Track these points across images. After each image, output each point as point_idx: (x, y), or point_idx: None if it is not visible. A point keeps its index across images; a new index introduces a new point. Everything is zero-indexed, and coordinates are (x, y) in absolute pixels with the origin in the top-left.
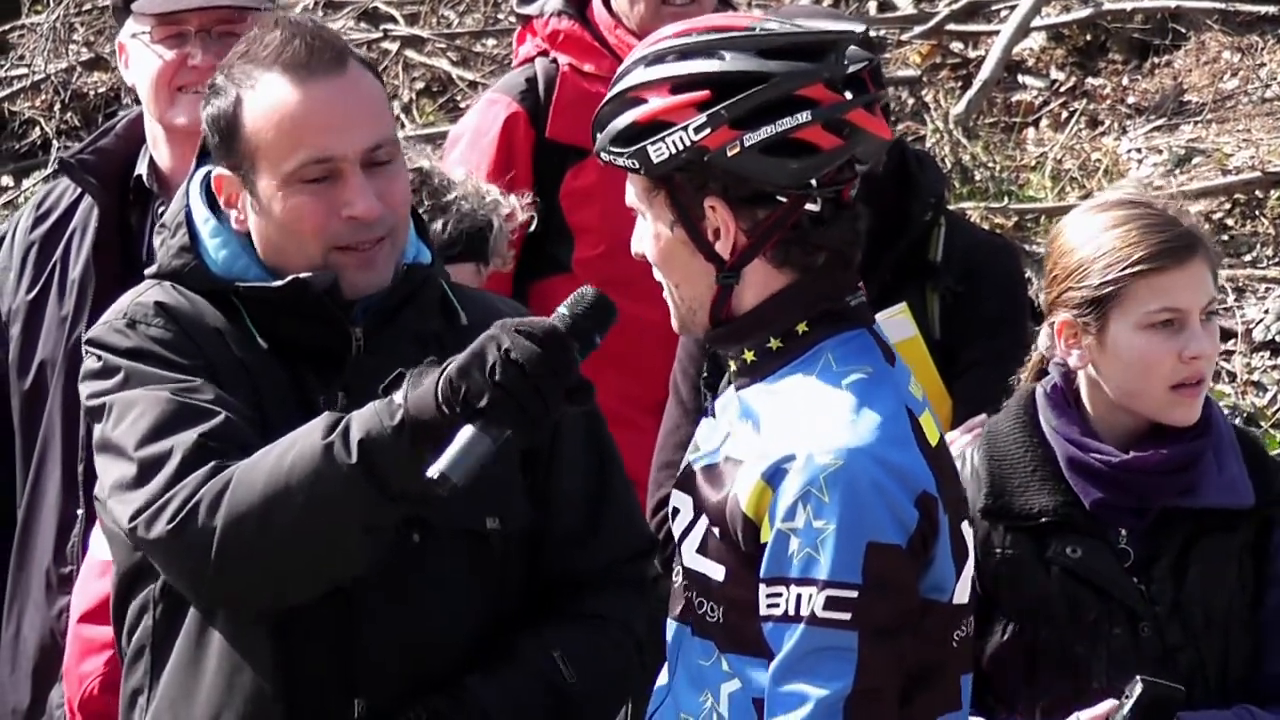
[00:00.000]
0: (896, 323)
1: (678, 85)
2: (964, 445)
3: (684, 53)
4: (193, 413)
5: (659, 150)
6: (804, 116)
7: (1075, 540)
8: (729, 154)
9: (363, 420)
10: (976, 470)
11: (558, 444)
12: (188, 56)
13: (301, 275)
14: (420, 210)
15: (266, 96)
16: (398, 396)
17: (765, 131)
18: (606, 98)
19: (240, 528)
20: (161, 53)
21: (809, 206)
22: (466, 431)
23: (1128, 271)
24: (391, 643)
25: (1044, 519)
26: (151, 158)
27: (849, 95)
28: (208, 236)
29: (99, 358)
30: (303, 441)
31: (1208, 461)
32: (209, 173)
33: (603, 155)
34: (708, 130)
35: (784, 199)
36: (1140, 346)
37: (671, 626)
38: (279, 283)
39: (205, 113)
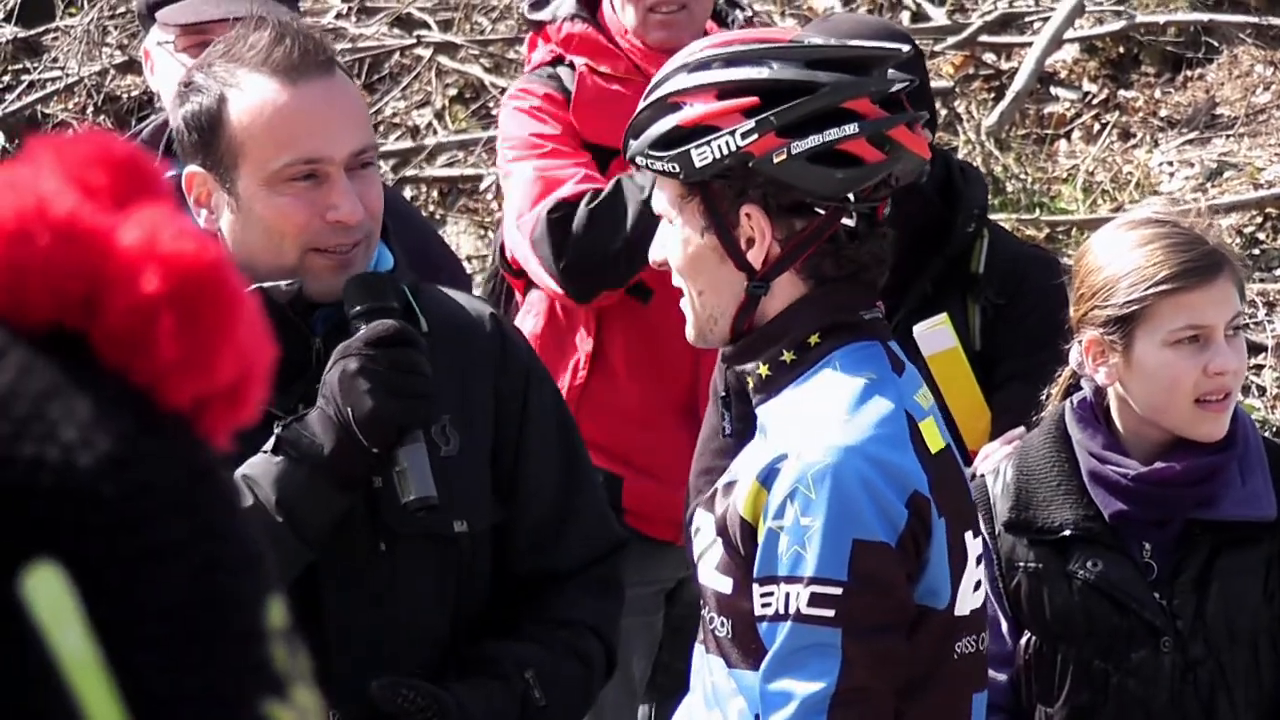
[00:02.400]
0: (937, 334)
1: (724, 91)
2: (1001, 459)
3: (730, 60)
4: None
5: (703, 154)
6: (850, 129)
7: (1097, 554)
8: (775, 160)
9: (272, 477)
10: (1008, 485)
11: (525, 438)
12: None
13: (265, 285)
14: None
15: (254, 96)
16: (304, 448)
17: (812, 140)
18: (644, 103)
19: None
20: (185, 61)
21: (845, 221)
22: (407, 453)
23: (1152, 290)
24: (362, 655)
25: (1066, 532)
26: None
27: (893, 112)
28: None
29: None
30: None
31: (1230, 474)
32: (174, 177)
33: (638, 160)
34: (755, 136)
35: (822, 211)
36: (1166, 363)
37: (696, 652)
38: None
39: (181, 110)
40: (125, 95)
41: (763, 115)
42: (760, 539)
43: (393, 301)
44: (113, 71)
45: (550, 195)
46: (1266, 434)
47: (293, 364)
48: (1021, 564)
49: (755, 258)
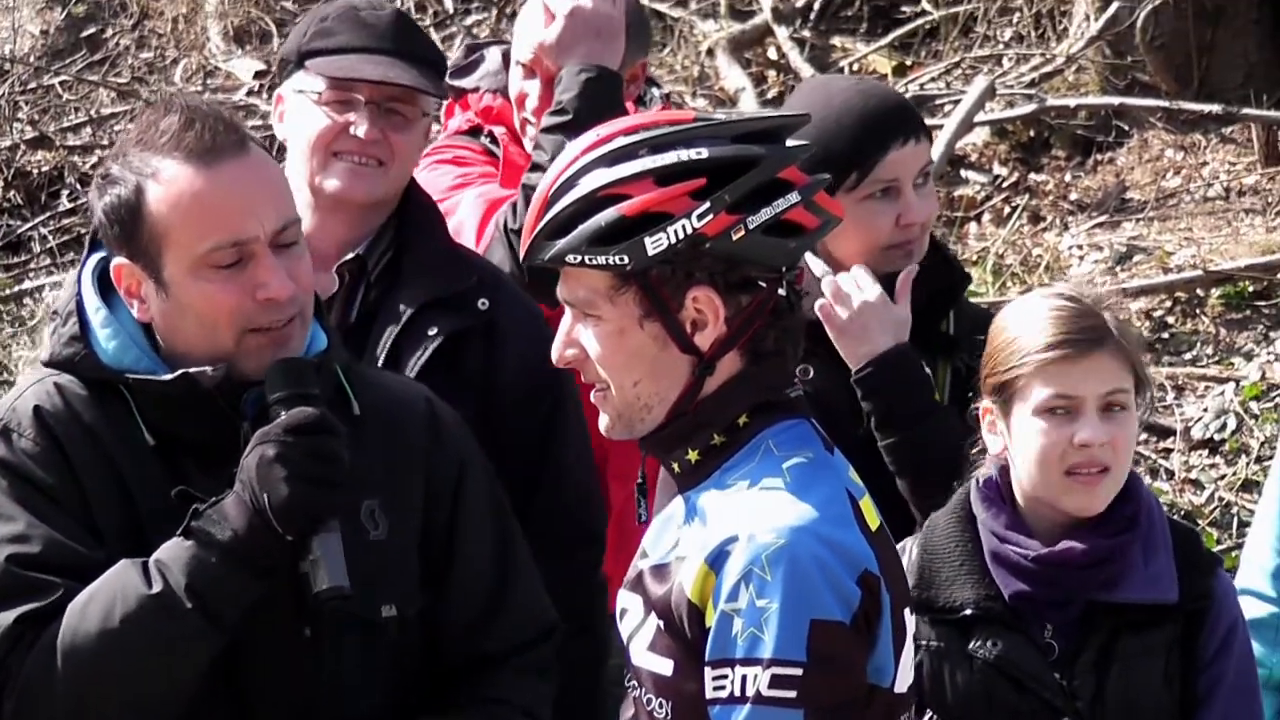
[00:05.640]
0: None
1: (664, 176)
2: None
3: (656, 145)
4: (21, 588)
5: (657, 241)
6: (793, 197)
7: (997, 634)
8: (734, 238)
9: (183, 562)
10: (912, 563)
11: (458, 526)
12: (350, 124)
13: (191, 370)
14: None
15: (171, 184)
16: (217, 533)
17: (765, 214)
18: (562, 203)
19: (84, 698)
20: (327, 115)
21: (780, 292)
22: (320, 541)
23: (1027, 359)
24: None
25: (967, 611)
26: None
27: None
28: (98, 326)
29: None
30: (126, 596)
31: (1133, 555)
32: (102, 259)
33: (570, 259)
34: (709, 217)
35: (764, 284)
36: (1034, 432)
37: None
38: (168, 376)
39: (100, 202)
40: (35, 170)
41: (715, 194)
42: (711, 622)
43: (314, 388)
44: (23, 147)
45: (497, 211)
46: (1176, 517)
47: (220, 448)
48: (924, 642)
49: (705, 339)
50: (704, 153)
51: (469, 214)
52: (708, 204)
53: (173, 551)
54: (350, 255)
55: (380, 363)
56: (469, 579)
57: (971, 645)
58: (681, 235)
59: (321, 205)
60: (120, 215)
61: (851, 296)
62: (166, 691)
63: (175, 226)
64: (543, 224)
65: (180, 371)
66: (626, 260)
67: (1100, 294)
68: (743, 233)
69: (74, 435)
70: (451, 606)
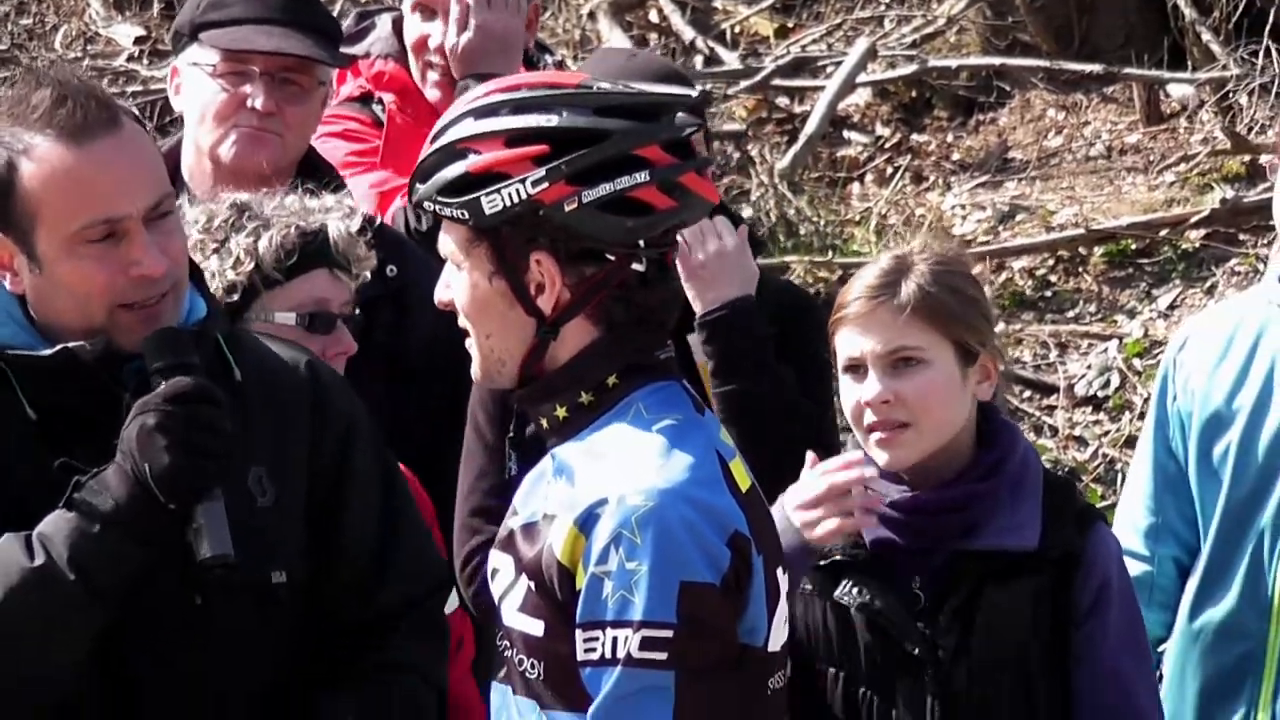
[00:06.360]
0: None
1: (513, 138)
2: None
3: (518, 106)
4: None
5: (493, 202)
6: (641, 176)
7: (864, 581)
8: (566, 209)
9: (65, 534)
10: (785, 513)
11: (345, 492)
12: (247, 97)
13: (70, 345)
14: (245, 234)
15: (43, 160)
16: (98, 503)
17: (603, 189)
18: (431, 148)
19: None
20: (223, 87)
21: (635, 266)
22: (204, 510)
23: (833, 319)
24: (179, 710)
25: (836, 557)
26: (187, 187)
27: (682, 158)
28: None
29: None
30: (8, 570)
31: (996, 503)
32: None
33: (426, 205)
34: (545, 184)
35: (612, 257)
36: (843, 392)
37: (496, 690)
38: (47, 352)
39: None
40: None
41: (553, 164)
42: (581, 584)
43: (193, 357)
44: None
45: (393, 205)
46: (1059, 474)
47: (103, 421)
48: (799, 586)
49: (545, 303)
50: (553, 120)
51: (362, 206)
52: (544, 171)
53: (55, 524)
54: None
55: None
56: (356, 545)
57: (838, 592)
58: (516, 199)
59: (221, 176)
60: None
61: (708, 241)
62: (52, 665)
63: (48, 204)
64: (417, 165)
65: (60, 346)
66: (466, 215)
67: (939, 253)
68: (575, 205)
69: None
70: (340, 566)
